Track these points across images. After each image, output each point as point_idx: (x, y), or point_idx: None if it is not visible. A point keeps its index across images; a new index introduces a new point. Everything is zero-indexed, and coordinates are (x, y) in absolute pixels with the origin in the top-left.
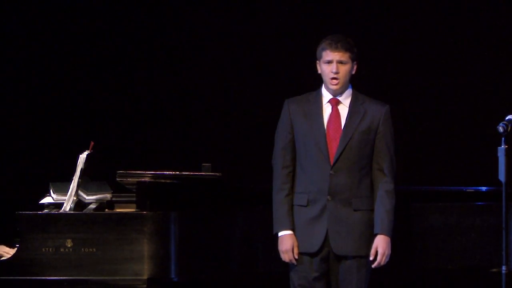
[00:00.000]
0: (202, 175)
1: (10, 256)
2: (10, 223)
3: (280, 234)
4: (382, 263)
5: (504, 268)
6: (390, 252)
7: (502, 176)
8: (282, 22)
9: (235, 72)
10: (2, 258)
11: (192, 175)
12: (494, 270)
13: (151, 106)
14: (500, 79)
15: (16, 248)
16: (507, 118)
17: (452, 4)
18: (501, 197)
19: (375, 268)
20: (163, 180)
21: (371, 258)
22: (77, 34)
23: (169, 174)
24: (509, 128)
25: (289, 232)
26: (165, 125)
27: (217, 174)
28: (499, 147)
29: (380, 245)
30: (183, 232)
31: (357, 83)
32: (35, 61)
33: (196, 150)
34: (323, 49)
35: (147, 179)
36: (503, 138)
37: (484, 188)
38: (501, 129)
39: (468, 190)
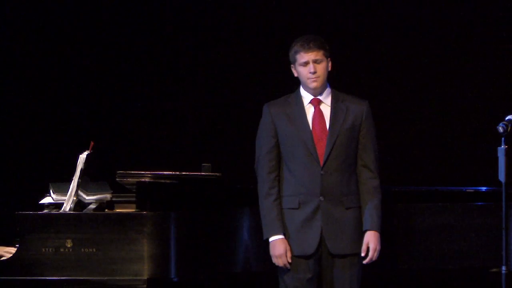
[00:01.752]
0: (202, 175)
1: (10, 256)
2: (10, 223)
3: (271, 239)
4: (374, 259)
5: (504, 268)
6: (380, 247)
7: (502, 176)
8: (283, 17)
9: (236, 71)
10: (2, 258)
11: (192, 175)
12: (494, 270)
13: (151, 106)
14: (500, 79)
15: (16, 248)
16: (507, 118)
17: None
18: (501, 197)
19: (366, 264)
20: (163, 180)
21: (362, 254)
22: (77, 33)
23: (169, 174)
24: (509, 128)
25: (280, 236)
26: (165, 125)
27: (217, 174)
28: (499, 147)
29: (372, 240)
30: (183, 232)
31: (357, 82)
32: (35, 61)
33: (196, 150)
34: (296, 52)
35: (147, 179)
36: (503, 138)
37: (484, 188)
38: (501, 129)
39: (468, 190)
